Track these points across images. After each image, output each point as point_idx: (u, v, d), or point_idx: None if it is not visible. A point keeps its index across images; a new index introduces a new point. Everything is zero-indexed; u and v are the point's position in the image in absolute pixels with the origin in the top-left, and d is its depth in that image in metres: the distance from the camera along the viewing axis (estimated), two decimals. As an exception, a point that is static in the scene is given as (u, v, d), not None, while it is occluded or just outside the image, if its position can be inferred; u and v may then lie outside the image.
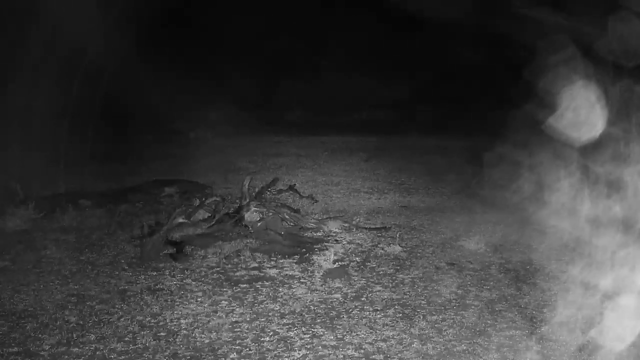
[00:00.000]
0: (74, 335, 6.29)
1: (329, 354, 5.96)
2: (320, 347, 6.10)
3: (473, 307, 7.15)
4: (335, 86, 22.52)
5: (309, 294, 7.45)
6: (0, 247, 8.94)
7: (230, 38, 22.90)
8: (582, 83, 9.33)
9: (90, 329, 6.46)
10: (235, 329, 6.48)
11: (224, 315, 6.82)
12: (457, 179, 13.64)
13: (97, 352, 5.95)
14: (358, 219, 10.77)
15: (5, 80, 13.15)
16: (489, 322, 6.74)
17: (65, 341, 6.17)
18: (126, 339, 6.24)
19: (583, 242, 8.26)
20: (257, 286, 7.68)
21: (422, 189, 13.35)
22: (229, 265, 8.35)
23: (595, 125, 9.15)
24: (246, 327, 6.54)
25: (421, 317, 6.84)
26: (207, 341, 6.21)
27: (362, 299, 7.34)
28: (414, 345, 6.18)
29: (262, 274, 8.09)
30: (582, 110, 9.31)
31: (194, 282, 7.80)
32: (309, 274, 8.11)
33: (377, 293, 7.53)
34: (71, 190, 12.05)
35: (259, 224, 9.54)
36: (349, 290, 7.59)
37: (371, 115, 22.32)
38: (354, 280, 7.92)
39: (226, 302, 7.18)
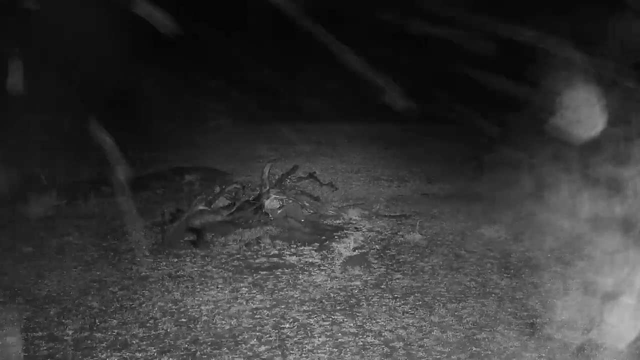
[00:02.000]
0: (97, 321, 6.36)
1: (349, 341, 5.97)
2: (340, 334, 6.11)
3: (493, 295, 7.12)
4: (354, 73, 22.36)
5: (328, 281, 7.46)
6: (24, 233, 9.04)
7: (249, 24, 22.85)
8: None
9: (112, 314, 6.52)
10: (256, 316, 6.51)
11: (244, 302, 6.85)
12: (478, 166, 13.54)
13: (119, 338, 6.01)
14: (378, 207, 10.75)
15: (28, 68, 13.26)
16: (509, 310, 6.71)
17: (87, 326, 6.24)
18: (148, 324, 6.29)
19: (608, 231, 8.21)
20: (277, 273, 7.71)
21: (443, 176, 13.27)
22: (249, 253, 8.38)
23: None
24: (266, 313, 6.57)
25: (441, 305, 6.83)
26: (227, 327, 6.24)
27: (382, 286, 7.34)
28: (434, 332, 6.17)
29: (282, 261, 8.11)
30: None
31: (214, 269, 7.84)
32: (329, 261, 8.12)
33: (397, 281, 7.52)
34: (93, 178, 12.15)
35: (279, 211, 9.55)
36: (369, 278, 7.59)
37: (391, 102, 22.15)
38: (374, 268, 7.92)
39: (246, 289, 7.21)
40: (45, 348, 5.79)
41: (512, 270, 7.87)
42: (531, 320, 6.44)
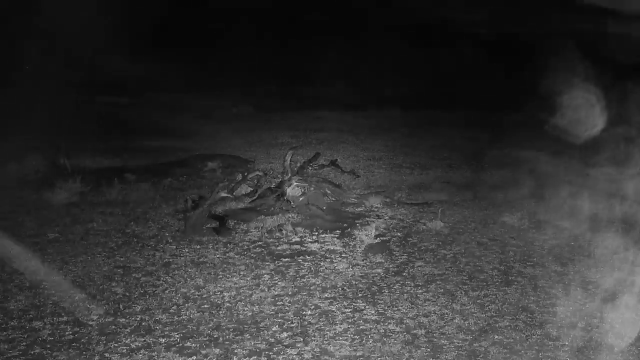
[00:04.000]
0: (121, 306, 6.41)
1: (370, 328, 5.96)
2: (361, 322, 6.11)
3: (516, 283, 7.07)
4: (378, 60, 22.27)
5: (350, 269, 7.46)
6: (50, 219, 9.13)
7: (271, 12, 22.83)
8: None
9: (136, 300, 6.57)
10: (278, 302, 6.52)
11: (266, 289, 6.87)
12: (500, 154, 13.43)
13: (143, 323, 6.05)
14: (400, 194, 10.71)
15: (54, 58, 13.38)
16: (532, 298, 6.67)
17: (112, 312, 6.30)
18: (171, 310, 6.33)
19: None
20: (299, 260, 7.71)
21: (465, 164, 13.19)
22: (271, 240, 8.39)
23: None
24: (288, 300, 6.58)
25: (463, 292, 6.79)
26: (249, 314, 6.26)
27: (404, 274, 7.32)
28: (456, 320, 6.14)
29: (304, 249, 8.11)
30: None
31: (236, 256, 7.86)
32: (351, 248, 8.11)
33: (419, 268, 7.49)
34: (117, 165, 12.24)
35: (300, 198, 9.56)
36: (391, 265, 7.57)
37: (414, 89, 22.04)
38: (396, 256, 7.90)
39: (268, 276, 7.23)
40: (70, 333, 5.85)
41: (534, 259, 7.81)
42: (555, 309, 6.39)
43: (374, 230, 8.59)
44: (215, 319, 6.15)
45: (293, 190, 9.66)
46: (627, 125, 10.15)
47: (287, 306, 6.45)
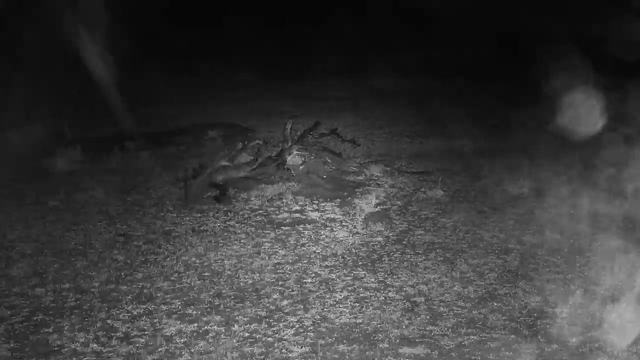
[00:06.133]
0: (122, 274, 6.45)
1: (370, 296, 6.00)
2: (361, 289, 6.14)
3: (515, 251, 7.09)
4: (380, 27, 22.06)
5: (350, 237, 7.48)
6: (51, 187, 9.14)
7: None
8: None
9: (137, 268, 6.61)
10: (278, 271, 6.56)
11: (266, 257, 6.90)
12: (501, 123, 13.37)
13: (144, 290, 6.09)
14: (400, 163, 10.70)
15: (54, 26, 13.28)
16: (531, 266, 6.69)
17: (113, 279, 6.34)
18: (172, 278, 6.37)
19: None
20: (299, 229, 7.73)
21: (466, 133, 13.12)
22: (272, 208, 8.41)
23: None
24: (289, 268, 6.61)
25: (463, 260, 6.82)
26: (250, 282, 6.30)
27: (404, 242, 7.34)
28: (455, 288, 6.17)
29: (304, 217, 8.13)
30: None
31: (237, 224, 7.88)
32: (351, 217, 8.12)
33: (419, 237, 7.52)
34: (117, 133, 12.21)
35: (301, 167, 9.57)
36: (391, 234, 7.59)
37: (415, 57, 21.84)
38: (396, 224, 7.92)
39: (269, 244, 7.25)
40: (72, 299, 5.90)
41: (535, 227, 7.82)
42: (553, 276, 6.42)
43: (374, 199, 8.61)
44: (216, 287, 6.18)
45: (293, 159, 9.66)
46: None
47: (288, 274, 6.48)
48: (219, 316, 5.61)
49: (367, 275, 6.46)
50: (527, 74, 13.20)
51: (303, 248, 7.15)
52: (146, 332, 5.32)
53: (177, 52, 19.55)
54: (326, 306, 5.80)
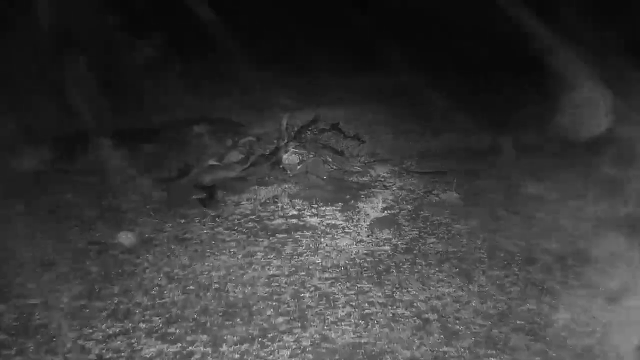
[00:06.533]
0: (96, 287, 6.41)
1: (377, 312, 5.96)
2: (366, 305, 6.10)
3: (540, 261, 7.04)
4: (384, 19, 22.17)
5: (354, 246, 7.44)
6: (15, 189, 9.08)
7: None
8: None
9: (114, 280, 6.56)
10: (272, 284, 6.51)
11: (259, 268, 6.86)
12: (520, 118, 13.32)
13: (121, 306, 6.04)
14: (409, 162, 10.67)
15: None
16: (558, 278, 6.65)
17: (86, 293, 6.29)
18: (152, 292, 6.32)
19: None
20: (297, 236, 7.69)
21: (481, 128, 13.10)
22: (265, 213, 8.37)
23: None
24: (284, 281, 6.57)
25: (480, 272, 6.79)
26: (240, 296, 6.26)
27: (414, 251, 7.30)
28: (472, 303, 6.14)
29: (302, 223, 8.09)
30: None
31: (226, 231, 7.84)
32: (354, 223, 8.09)
33: (431, 245, 7.47)
34: (91, 128, 12.14)
35: (298, 167, 9.56)
36: (399, 242, 7.55)
37: (424, 51, 21.95)
38: (405, 231, 7.87)
39: (262, 254, 7.21)
40: (38, 317, 5.85)
41: (562, 233, 7.77)
42: (584, 291, 6.36)
43: (380, 203, 8.60)
44: (202, 302, 6.14)
45: (290, 157, 9.66)
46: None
47: (283, 287, 6.43)
48: (206, 335, 5.57)
49: (372, 288, 6.41)
50: (539, 72, 13.19)
51: (300, 258, 7.11)
52: (123, 354, 5.29)
53: (158, 41, 19.54)
54: (327, 324, 5.76)
